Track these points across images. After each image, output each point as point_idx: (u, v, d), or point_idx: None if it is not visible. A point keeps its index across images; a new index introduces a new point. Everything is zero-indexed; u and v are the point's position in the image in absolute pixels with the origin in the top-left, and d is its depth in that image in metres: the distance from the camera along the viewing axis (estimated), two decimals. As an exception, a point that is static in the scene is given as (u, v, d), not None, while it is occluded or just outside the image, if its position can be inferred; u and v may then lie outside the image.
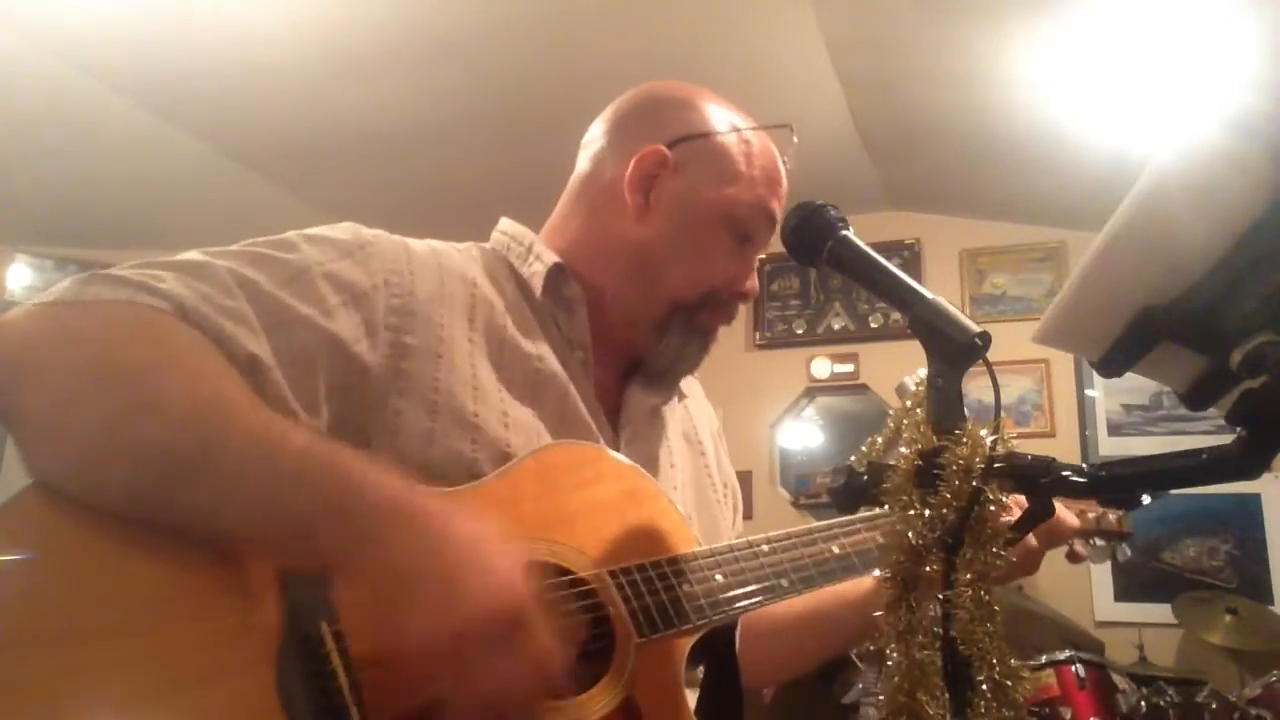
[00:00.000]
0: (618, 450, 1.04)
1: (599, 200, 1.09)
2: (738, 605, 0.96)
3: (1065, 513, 1.18)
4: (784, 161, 1.12)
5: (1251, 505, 3.67)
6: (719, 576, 0.96)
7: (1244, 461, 0.62)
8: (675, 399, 1.19)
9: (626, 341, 1.10)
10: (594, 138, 1.13)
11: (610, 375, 1.11)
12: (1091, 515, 1.25)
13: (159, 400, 0.73)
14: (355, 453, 0.78)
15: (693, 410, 1.25)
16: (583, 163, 1.13)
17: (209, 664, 0.69)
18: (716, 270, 1.07)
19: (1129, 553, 1.29)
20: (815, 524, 1.11)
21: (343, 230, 0.97)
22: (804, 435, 4.64)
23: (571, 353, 1.05)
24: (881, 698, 0.71)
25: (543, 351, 1.02)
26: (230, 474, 0.72)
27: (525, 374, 1.00)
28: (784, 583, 1.01)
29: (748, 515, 1.53)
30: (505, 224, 1.13)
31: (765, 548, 1.03)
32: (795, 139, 1.12)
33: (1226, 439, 0.64)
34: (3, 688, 0.64)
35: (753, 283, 1.10)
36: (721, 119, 1.10)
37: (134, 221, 4.23)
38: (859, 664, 2.90)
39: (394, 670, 0.71)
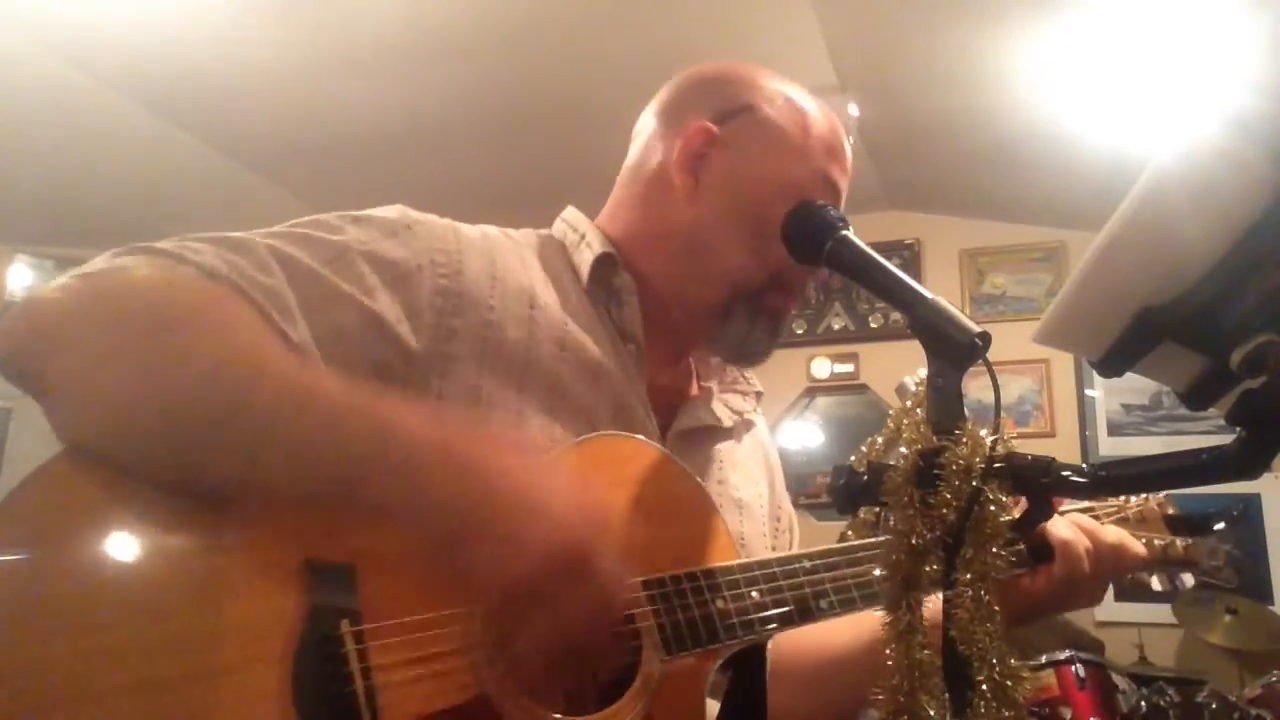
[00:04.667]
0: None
1: (649, 187, 1.06)
2: (771, 626, 0.92)
3: (1134, 543, 1.11)
4: (847, 133, 1.07)
5: (1251, 505, 3.67)
6: (754, 593, 0.92)
7: (1244, 461, 0.62)
8: (738, 425, 1.14)
9: (683, 333, 1.06)
10: (643, 126, 1.10)
11: (664, 372, 1.08)
12: (1159, 543, 1.17)
13: (188, 352, 0.73)
14: (392, 396, 0.77)
15: (757, 438, 1.20)
16: (633, 153, 1.10)
17: (224, 656, 0.69)
18: (778, 250, 0.97)
19: (1191, 582, 1.22)
20: (861, 541, 1.02)
21: (389, 210, 0.95)
22: (804, 435, 4.64)
23: (624, 345, 1.02)
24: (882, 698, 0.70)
25: (597, 343, 0.99)
26: (263, 422, 0.72)
27: (577, 365, 0.96)
28: (823, 604, 0.95)
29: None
30: (568, 213, 1.10)
31: (807, 563, 0.97)
32: (855, 111, 1.10)
33: (1226, 439, 0.64)
34: (19, 670, 0.64)
35: None
36: (773, 91, 1.05)
37: (134, 222, 4.22)
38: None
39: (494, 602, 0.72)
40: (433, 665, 0.75)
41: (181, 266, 0.78)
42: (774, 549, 1.18)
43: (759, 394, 1.19)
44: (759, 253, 1.00)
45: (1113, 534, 1.09)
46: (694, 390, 1.14)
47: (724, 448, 1.12)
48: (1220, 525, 1.14)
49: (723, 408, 1.13)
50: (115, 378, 0.73)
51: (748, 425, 1.18)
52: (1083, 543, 1.04)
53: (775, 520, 1.20)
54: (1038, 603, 1.04)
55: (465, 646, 0.77)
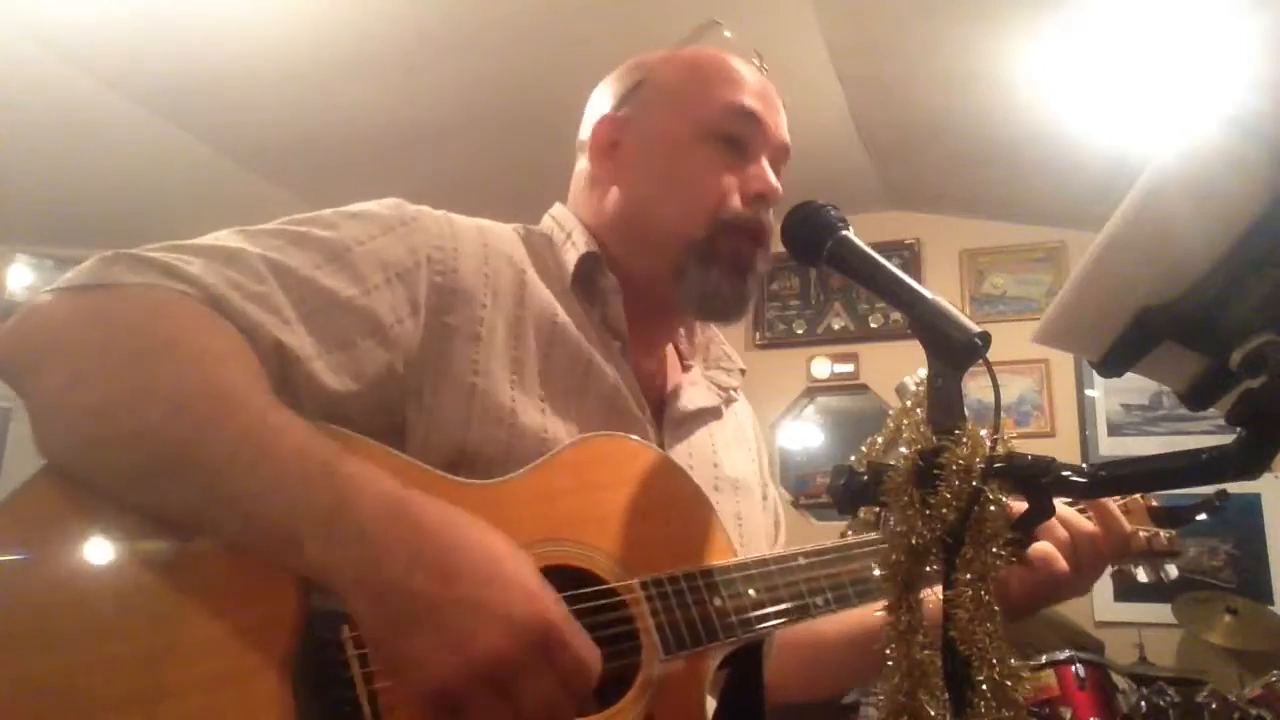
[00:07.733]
0: (663, 446, 1.01)
1: (584, 189, 1.10)
2: (768, 624, 0.93)
3: (1116, 523, 1.11)
4: (755, 62, 1.10)
5: (1251, 505, 3.67)
6: (752, 592, 0.92)
7: (1244, 461, 0.62)
8: (724, 403, 1.17)
9: (661, 316, 1.07)
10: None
11: (655, 366, 1.09)
12: (1144, 535, 1.19)
13: (151, 389, 0.72)
14: (355, 456, 0.74)
15: (740, 414, 1.22)
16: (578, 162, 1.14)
17: (222, 665, 0.69)
18: (709, 187, 1.01)
19: (1175, 573, 1.22)
20: (856, 538, 1.03)
21: (385, 205, 0.94)
22: (804, 435, 4.64)
23: (611, 341, 1.03)
24: (882, 698, 0.71)
25: (586, 341, 1.00)
26: (213, 471, 0.70)
27: (571, 362, 0.97)
28: (819, 601, 0.96)
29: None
30: (556, 209, 1.11)
31: (802, 561, 0.98)
32: (727, 32, 1.13)
33: (1226, 439, 0.64)
34: (12, 684, 0.63)
35: (763, 184, 1.02)
36: (661, 58, 1.10)
37: (134, 221, 4.22)
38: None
39: (414, 703, 0.68)
40: None
41: (169, 280, 0.77)
42: (774, 524, 1.21)
43: (743, 370, 1.22)
44: (689, 203, 1.02)
45: (1091, 523, 1.07)
46: (679, 372, 1.15)
47: (715, 426, 1.14)
48: (1202, 516, 1.17)
49: (708, 388, 1.15)
50: (83, 408, 0.72)
51: (731, 402, 1.20)
52: (1061, 535, 1.04)
53: (763, 499, 1.22)
54: (1023, 600, 1.02)
55: None
